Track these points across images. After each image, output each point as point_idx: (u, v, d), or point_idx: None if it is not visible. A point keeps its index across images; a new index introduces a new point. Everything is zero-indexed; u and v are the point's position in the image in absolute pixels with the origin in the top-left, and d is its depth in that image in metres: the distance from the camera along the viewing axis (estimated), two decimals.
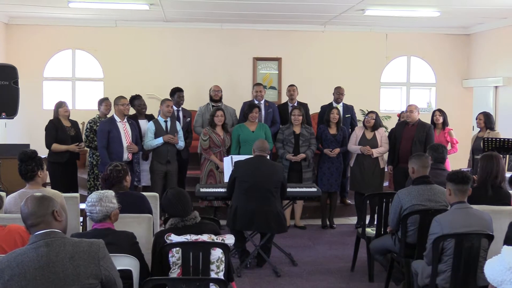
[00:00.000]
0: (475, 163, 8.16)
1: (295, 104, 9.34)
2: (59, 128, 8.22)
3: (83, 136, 8.58)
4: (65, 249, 2.98)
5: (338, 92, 9.64)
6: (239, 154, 8.07)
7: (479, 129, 8.88)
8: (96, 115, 8.71)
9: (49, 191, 5.02)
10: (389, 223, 5.73)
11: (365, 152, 8.60)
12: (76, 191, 7.99)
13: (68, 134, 8.28)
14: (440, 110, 9.07)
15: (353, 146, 8.78)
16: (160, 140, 8.28)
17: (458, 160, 9.92)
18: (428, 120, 9.02)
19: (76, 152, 8.32)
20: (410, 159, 5.72)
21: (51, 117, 8.41)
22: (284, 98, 10.89)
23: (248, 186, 6.55)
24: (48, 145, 8.19)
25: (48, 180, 7.77)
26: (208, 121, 8.57)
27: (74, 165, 8.48)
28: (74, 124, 8.55)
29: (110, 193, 4.25)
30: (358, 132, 8.88)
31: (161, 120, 8.44)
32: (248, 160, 6.84)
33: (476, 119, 8.85)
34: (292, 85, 9.68)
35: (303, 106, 9.20)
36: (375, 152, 8.61)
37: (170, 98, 8.88)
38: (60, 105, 8.39)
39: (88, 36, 12.00)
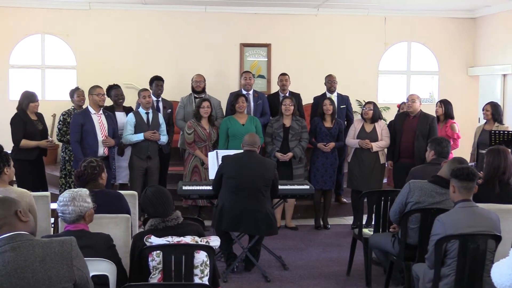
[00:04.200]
0: (480, 158, 8.20)
1: (287, 95, 9.34)
2: (27, 122, 8.07)
3: (56, 129, 8.52)
4: (34, 252, 2.97)
5: (330, 81, 9.64)
6: (227, 149, 8.06)
7: (485, 121, 8.86)
8: (71, 106, 8.67)
9: (16, 190, 5.00)
10: (390, 214, 5.70)
11: (363, 145, 8.62)
12: (46, 190, 7.94)
13: (37, 128, 8.17)
14: (441, 101, 9.09)
15: (352, 140, 8.80)
16: (140, 137, 8.27)
17: (463, 155, 9.93)
18: (430, 112, 9.04)
19: (47, 148, 8.26)
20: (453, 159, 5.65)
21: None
22: (274, 88, 10.90)
23: (236, 184, 6.54)
24: (16, 142, 7.99)
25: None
26: (193, 113, 8.55)
27: (41, 161, 8.37)
28: (40, 117, 8.39)
29: (84, 191, 4.24)
30: (356, 125, 8.90)
31: (142, 112, 8.43)
32: (237, 155, 6.84)
33: (483, 110, 8.81)
34: (284, 74, 9.68)
35: (295, 97, 9.21)
36: (375, 146, 8.63)
37: (147, 88, 8.85)
38: (32, 99, 8.16)
39: (59, 20, 11.92)
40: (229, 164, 6.66)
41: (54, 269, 2.97)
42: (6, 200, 3.18)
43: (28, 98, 8.18)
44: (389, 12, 12.51)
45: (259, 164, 6.70)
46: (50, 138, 8.33)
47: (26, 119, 8.08)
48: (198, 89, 9.19)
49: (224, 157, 6.84)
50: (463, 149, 9.37)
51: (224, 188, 6.64)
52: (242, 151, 6.88)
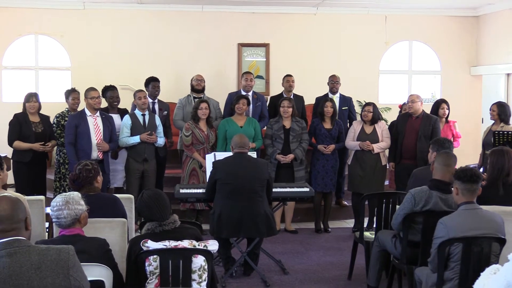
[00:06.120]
0: (485, 159, 8.18)
1: (291, 97, 9.32)
2: (23, 123, 8.13)
3: None
4: (31, 259, 2.94)
5: (333, 81, 9.65)
6: (225, 151, 8.04)
7: (493, 122, 8.80)
8: (65, 108, 8.67)
9: (10, 193, 4.97)
10: (394, 225, 5.65)
11: (364, 147, 8.61)
12: (44, 194, 7.95)
13: (33, 130, 8.18)
14: (444, 102, 9.10)
15: (351, 142, 8.79)
16: (136, 139, 8.27)
17: (466, 156, 9.96)
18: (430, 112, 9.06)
19: (40, 151, 8.25)
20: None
21: (12, 111, 8.37)
22: (272, 89, 10.89)
23: (231, 188, 6.51)
24: (10, 142, 8.15)
25: (11, 181, 7.78)
26: (191, 115, 8.54)
27: (42, 165, 8.42)
28: (45, 119, 8.43)
29: (76, 194, 4.23)
30: (356, 126, 8.89)
31: (138, 113, 8.44)
32: (228, 159, 6.80)
33: (490, 110, 8.79)
34: (290, 75, 9.64)
35: (299, 99, 9.21)
36: (376, 147, 8.63)
37: (142, 89, 8.85)
38: (28, 99, 8.26)
39: (52, 20, 11.90)
40: (222, 169, 6.60)
41: (49, 278, 2.94)
42: (20, 203, 3.12)
43: (25, 99, 8.33)
44: (390, 11, 12.51)
45: (252, 165, 6.69)
46: (49, 142, 8.28)
47: (23, 121, 8.16)
48: (199, 87, 9.22)
49: (215, 163, 6.79)
50: (466, 150, 9.38)
51: (219, 194, 6.60)
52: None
